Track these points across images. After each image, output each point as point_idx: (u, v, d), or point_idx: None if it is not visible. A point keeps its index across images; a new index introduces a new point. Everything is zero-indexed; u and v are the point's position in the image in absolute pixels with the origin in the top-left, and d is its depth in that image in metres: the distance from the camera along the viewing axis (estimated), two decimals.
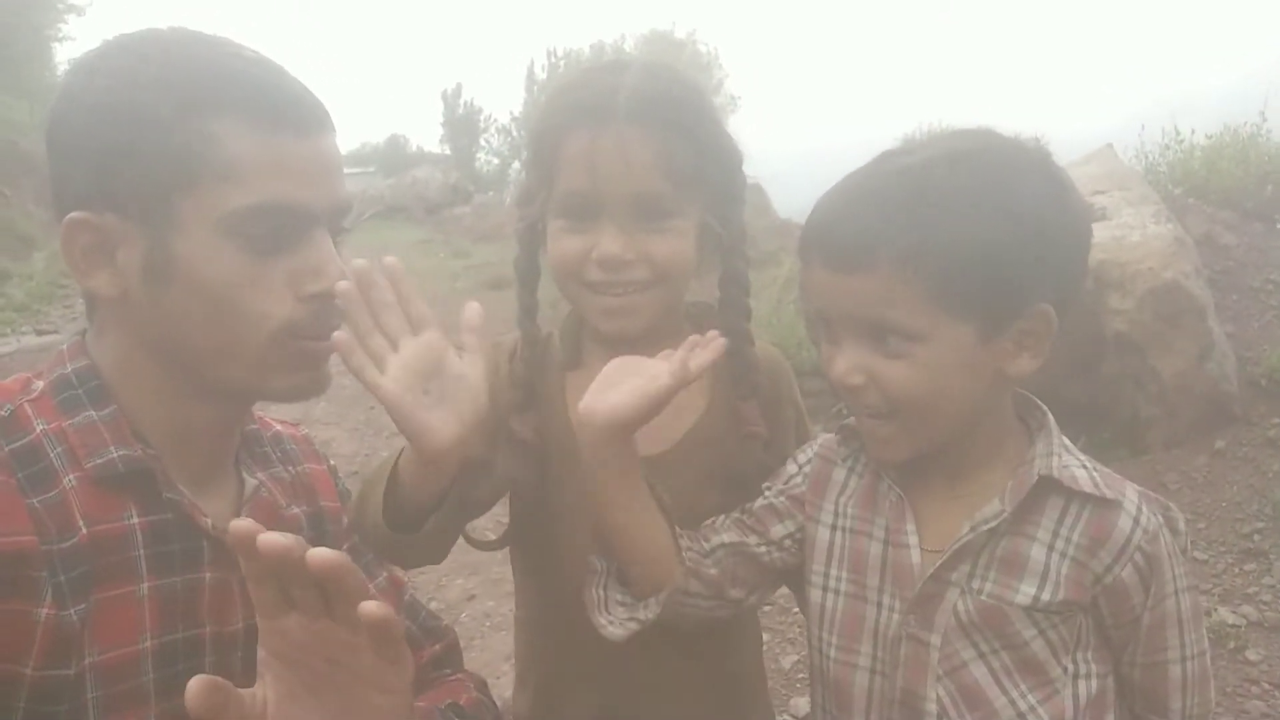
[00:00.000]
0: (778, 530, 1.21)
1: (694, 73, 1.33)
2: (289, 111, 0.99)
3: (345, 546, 1.24)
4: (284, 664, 0.85)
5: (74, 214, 0.97)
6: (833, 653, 1.15)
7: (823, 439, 1.25)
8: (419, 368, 1.00)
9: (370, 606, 0.78)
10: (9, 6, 18.16)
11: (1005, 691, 1.06)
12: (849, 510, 1.18)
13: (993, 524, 1.05)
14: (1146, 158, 7.80)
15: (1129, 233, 5.05)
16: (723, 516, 1.24)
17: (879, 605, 1.12)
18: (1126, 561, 1.04)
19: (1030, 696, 1.06)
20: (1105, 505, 1.05)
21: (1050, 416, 1.13)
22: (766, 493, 1.25)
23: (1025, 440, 1.13)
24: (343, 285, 0.97)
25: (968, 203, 0.98)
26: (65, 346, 1.05)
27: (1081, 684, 1.07)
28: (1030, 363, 1.05)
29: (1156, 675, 1.09)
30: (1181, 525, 1.10)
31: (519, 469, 1.26)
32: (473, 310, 1.06)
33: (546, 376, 1.33)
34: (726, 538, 1.20)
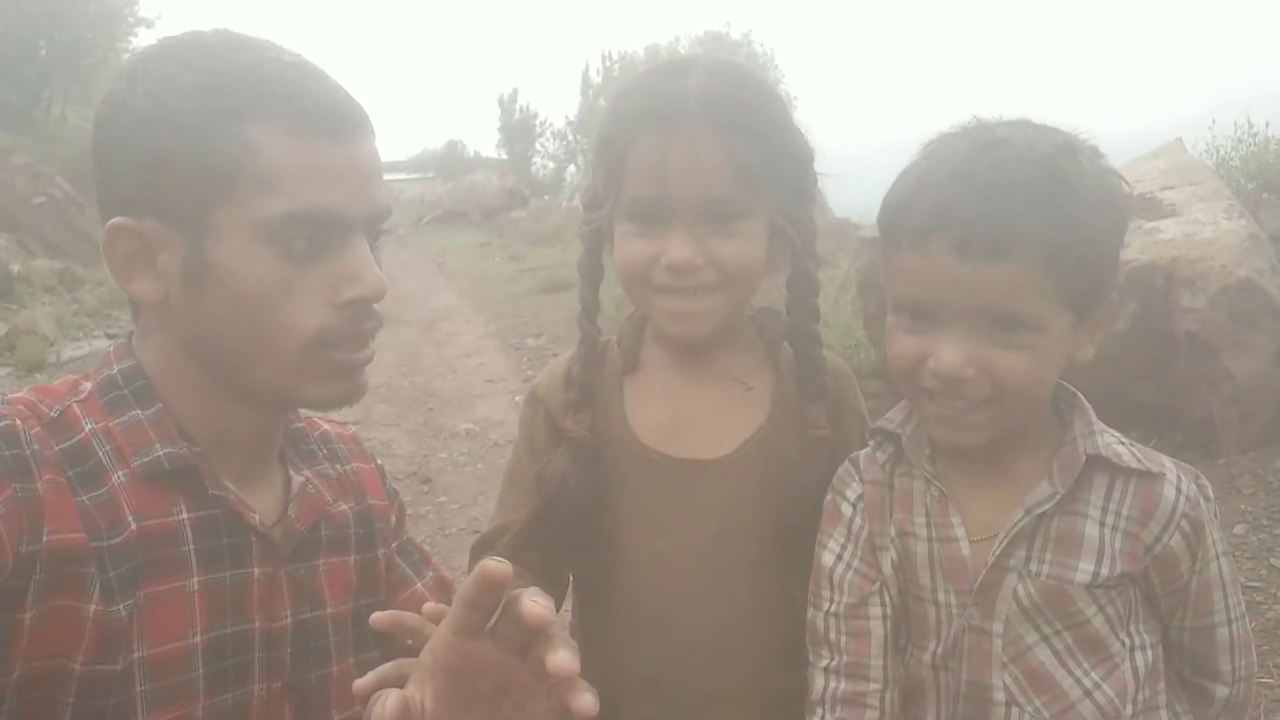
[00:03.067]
0: (876, 607, 1.17)
1: (759, 69, 1.32)
2: (326, 117, 0.99)
3: (394, 545, 1.25)
4: (450, 679, 0.88)
5: (116, 219, 0.99)
6: (911, 647, 1.15)
7: (846, 466, 1.23)
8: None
9: (583, 699, 0.83)
10: (81, 20, 18.74)
11: (1070, 671, 1.07)
12: (894, 517, 1.17)
13: (1047, 506, 1.07)
14: (1218, 152, 7.56)
15: (1200, 229, 4.90)
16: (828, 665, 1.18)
17: (935, 604, 1.12)
18: (1174, 530, 1.06)
19: (1094, 674, 1.08)
20: (1149, 478, 1.08)
21: (1081, 396, 1.14)
22: (831, 560, 1.20)
23: (1055, 422, 1.14)
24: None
25: (1093, 196, 1.01)
26: (112, 349, 1.08)
27: (1138, 655, 1.09)
28: (1091, 350, 1.09)
29: (1205, 639, 1.12)
30: (1210, 493, 1.13)
31: (572, 469, 1.25)
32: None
33: (604, 381, 1.32)
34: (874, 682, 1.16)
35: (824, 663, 1.18)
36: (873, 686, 1.14)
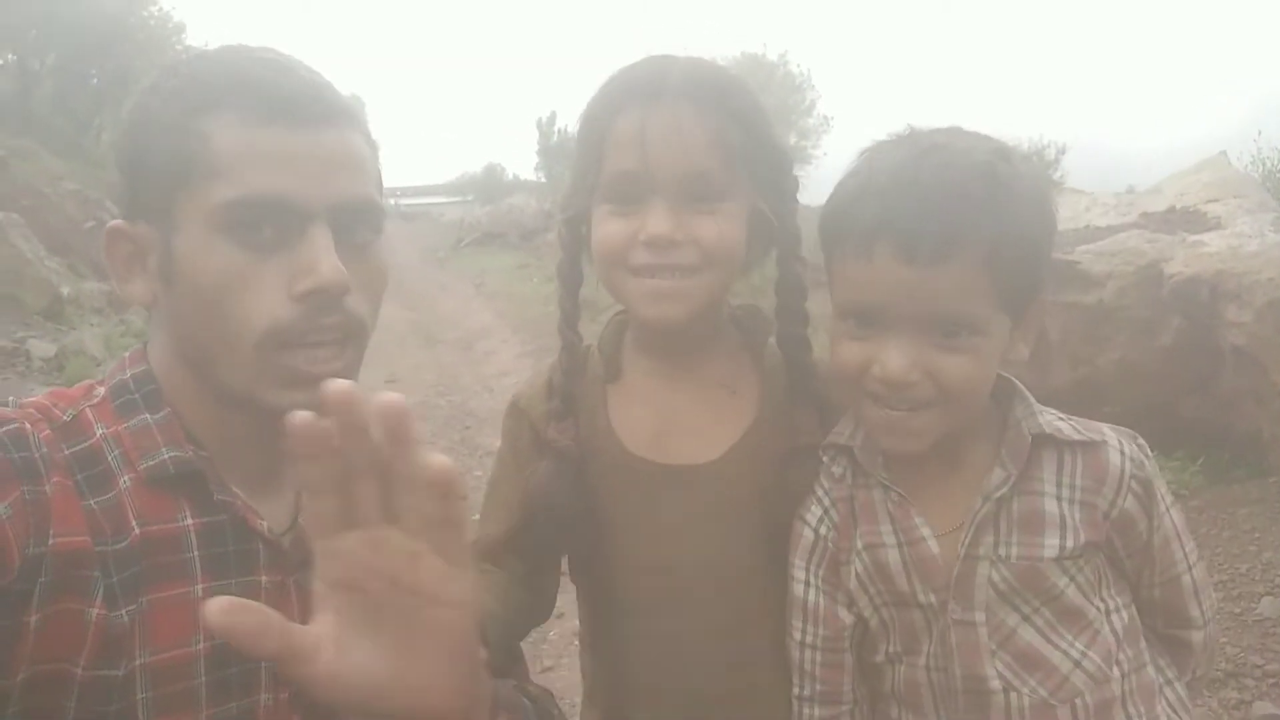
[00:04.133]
0: (847, 619, 1.19)
1: (769, 90, 1.32)
2: (281, 103, 0.96)
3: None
4: (342, 592, 0.78)
5: (112, 223, 1.01)
6: (903, 658, 1.16)
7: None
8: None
9: (438, 459, 0.74)
10: (131, 49, 19.19)
11: (1056, 645, 1.10)
12: (859, 530, 1.18)
13: (1004, 490, 1.10)
14: (1264, 164, 7.43)
15: (1245, 242, 4.80)
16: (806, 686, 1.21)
17: (921, 606, 1.13)
18: (1126, 492, 1.11)
19: (1078, 643, 1.10)
20: (1094, 447, 1.12)
21: (1018, 382, 1.17)
22: (800, 589, 1.21)
23: (995, 411, 1.17)
24: None
25: (1028, 198, 1.04)
26: (127, 354, 1.07)
27: (1114, 618, 1.13)
28: (1026, 350, 1.12)
29: (1173, 589, 1.16)
30: (1148, 450, 1.16)
31: (557, 478, 1.23)
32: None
33: (586, 389, 1.31)
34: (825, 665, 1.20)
35: (798, 690, 1.21)
36: (844, 707, 1.20)
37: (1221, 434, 4.68)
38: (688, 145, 1.14)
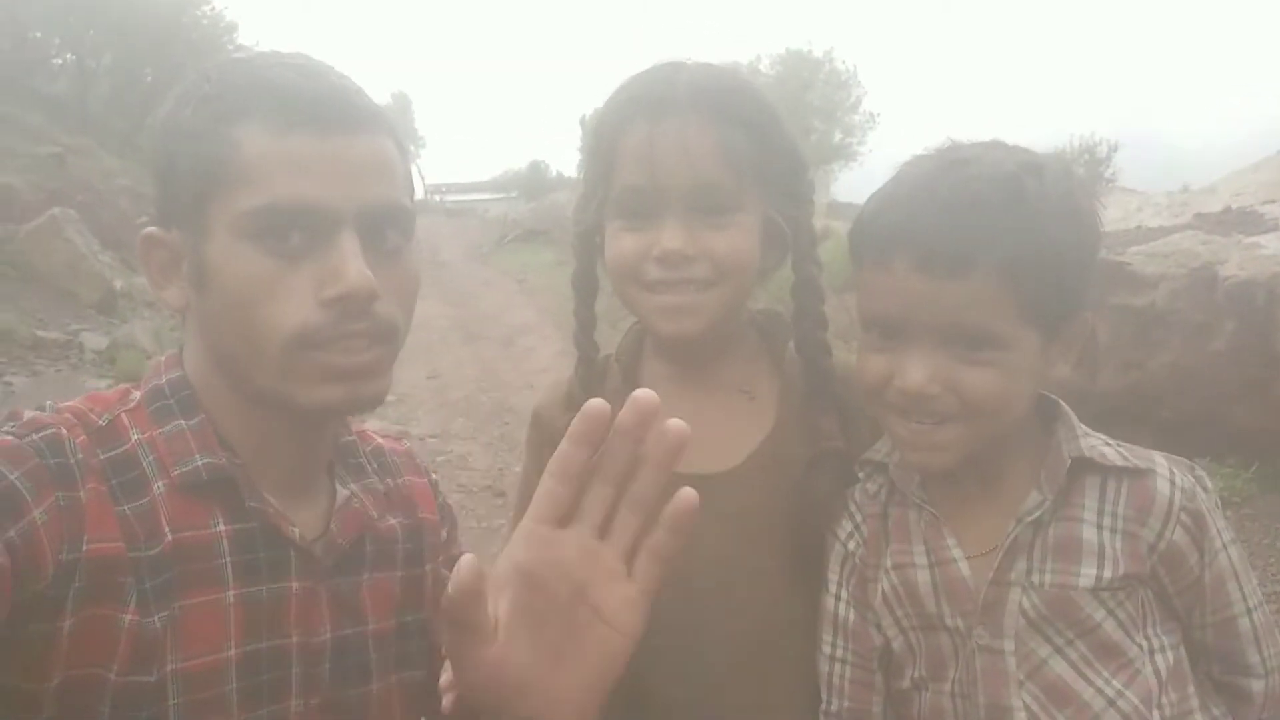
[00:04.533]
0: (878, 638, 1.17)
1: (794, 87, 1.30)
2: (308, 110, 0.96)
3: (440, 559, 1.23)
4: (528, 582, 0.79)
5: (147, 229, 1.01)
6: (929, 684, 1.13)
7: (849, 491, 1.21)
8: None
9: (689, 491, 0.80)
10: (184, 49, 19.54)
11: (1090, 682, 1.05)
12: (889, 548, 1.16)
13: (1037, 514, 1.06)
14: None
15: None
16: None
17: (949, 630, 1.10)
18: (1175, 524, 1.05)
19: (1115, 681, 1.05)
20: (1140, 474, 1.07)
21: (1063, 404, 1.14)
22: (831, 602, 1.20)
23: (1040, 430, 1.13)
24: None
25: (1057, 213, 1.01)
26: (163, 359, 1.08)
27: (1159, 658, 1.07)
28: (1065, 368, 1.08)
29: (1228, 632, 1.09)
30: (1209, 482, 1.11)
31: None
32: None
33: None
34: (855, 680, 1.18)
35: (825, 706, 1.18)
36: None
37: (1276, 441, 4.56)
38: (696, 159, 1.13)
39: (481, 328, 10.94)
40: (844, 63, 33.20)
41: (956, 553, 1.10)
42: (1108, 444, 1.10)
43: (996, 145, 1.08)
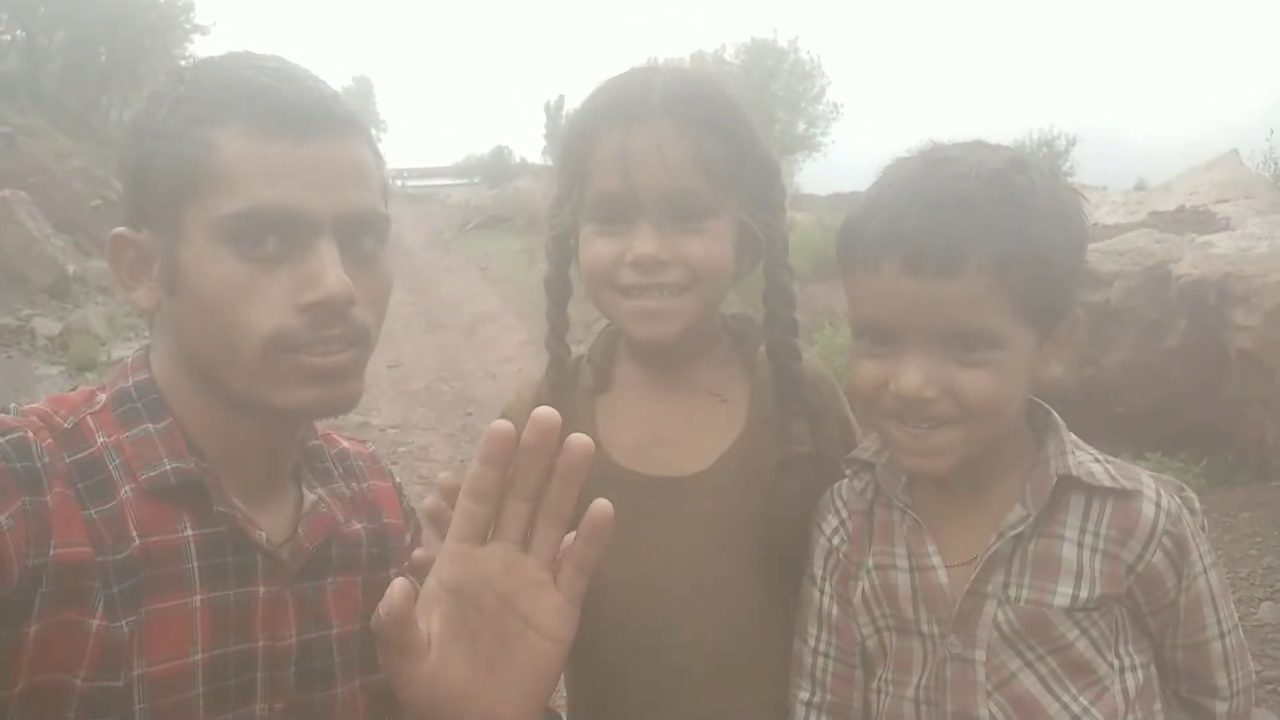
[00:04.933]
0: (858, 634, 1.17)
1: (731, 83, 1.31)
2: (288, 116, 0.96)
3: (405, 564, 1.22)
4: (456, 600, 0.85)
5: (117, 229, 1.00)
6: (890, 688, 1.13)
7: (827, 496, 1.22)
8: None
9: (603, 502, 0.84)
10: (139, 27, 19.17)
11: (1057, 697, 1.05)
12: (872, 549, 1.15)
13: (1020, 529, 1.05)
14: (1276, 164, 7.39)
15: (1255, 244, 4.78)
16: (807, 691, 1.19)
17: (922, 635, 1.10)
18: (1156, 547, 1.04)
19: (1082, 698, 1.05)
20: (1126, 495, 1.06)
21: (1055, 414, 1.12)
22: (815, 594, 1.20)
23: (1032, 441, 1.12)
24: (428, 503, 1.01)
25: (1044, 208, 1.01)
26: (130, 360, 1.07)
27: (1128, 677, 1.07)
28: (1058, 367, 1.08)
29: (1199, 655, 1.09)
30: (1197, 505, 1.10)
31: None
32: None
33: (575, 402, 1.29)
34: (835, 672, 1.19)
35: (805, 696, 1.19)
36: None
37: (1226, 437, 4.67)
38: (671, 165, 1.14)
39: (443, 316, 10.87)
40: (808, 53, 33.30)
41: (936, 560, 1.10)
42: (1096, 460, 1.08)
43: (980, 145, 1.07)
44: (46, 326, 9.01)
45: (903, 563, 1.12)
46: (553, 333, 1.32)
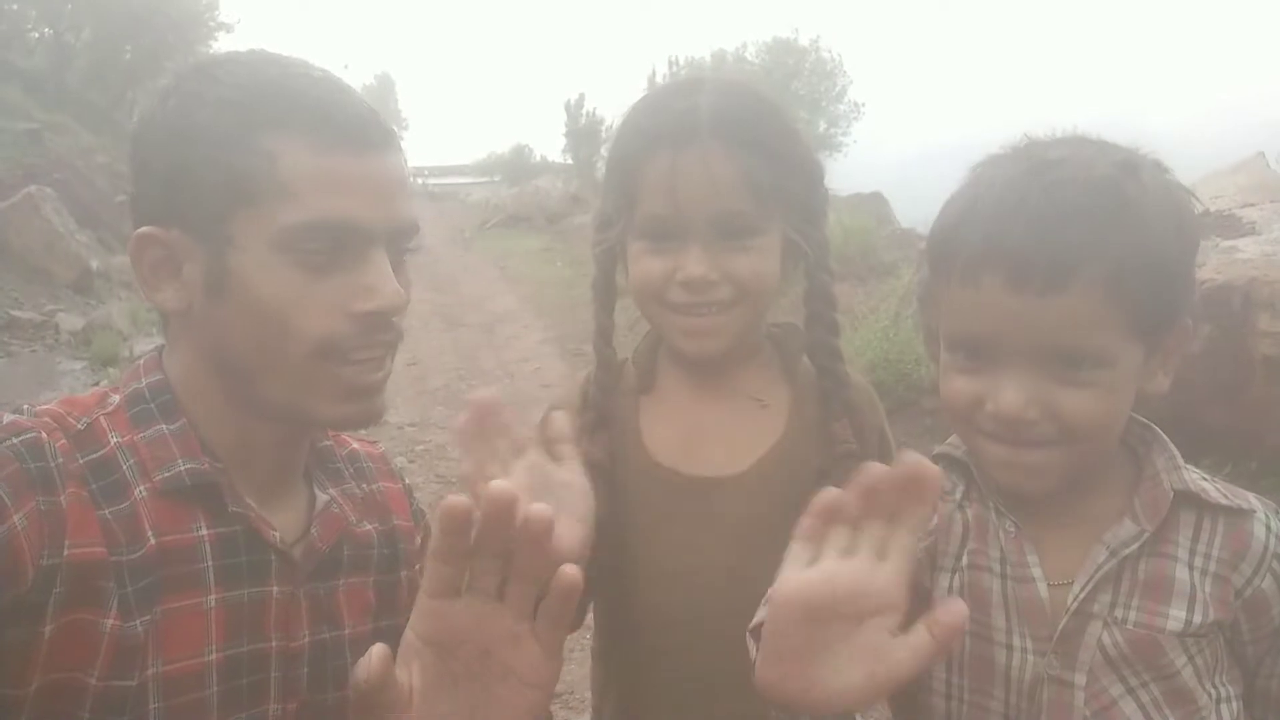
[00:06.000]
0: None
1: (773, 89, 1.31)
2: (347, 130, 0.99)
3: (417, 567, 1.23)
4: (435, 651, 0.88)
5: (144, 228, 1.00)
6: (966, 696, 1.07)
7: None
8: (529, 486, 1.04)
9: (571, 569, 0.85)
10: (164, 24, 19.33)
11: None
12: (966, 546, 1.09)
13: (1133, 546, 1.00)
14: None
15: None
16: None
17: (1008, 648, 1.04)
18: (1265, 571, 1.00)
19: None
20: (1239, 515, 1.01)
21: (1158, 429, 1.07)
22: None
23: (1129, 457, 1.07)
24: (462, 423, 1.02)
25: (1158, 216, 0.94)
26: (142, 361, 1.07)
27: (1224, 708, 1.01)
28: (1165, 381, 1.01)
29: None
30: None
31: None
32: (559, 420, 1.09)
33: (620, 402, 1.32)
34: None
35: None
36: None
37: (1249, 444, 4.62)
38: (720, 188, 1.15)
39: (462, 314, 10.89)
40: (830, 52, 33.22)
41: (1037, 572, 1.03)
42: (1205, 479, 1.03)
43: (1084, 142, 1.00)
44: (70, 322, 9.09)
45: (997, 567, 1.06)
46: (600, 336, 1.34)
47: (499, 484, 0.83)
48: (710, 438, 1.28)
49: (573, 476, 1.09)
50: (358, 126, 1.00)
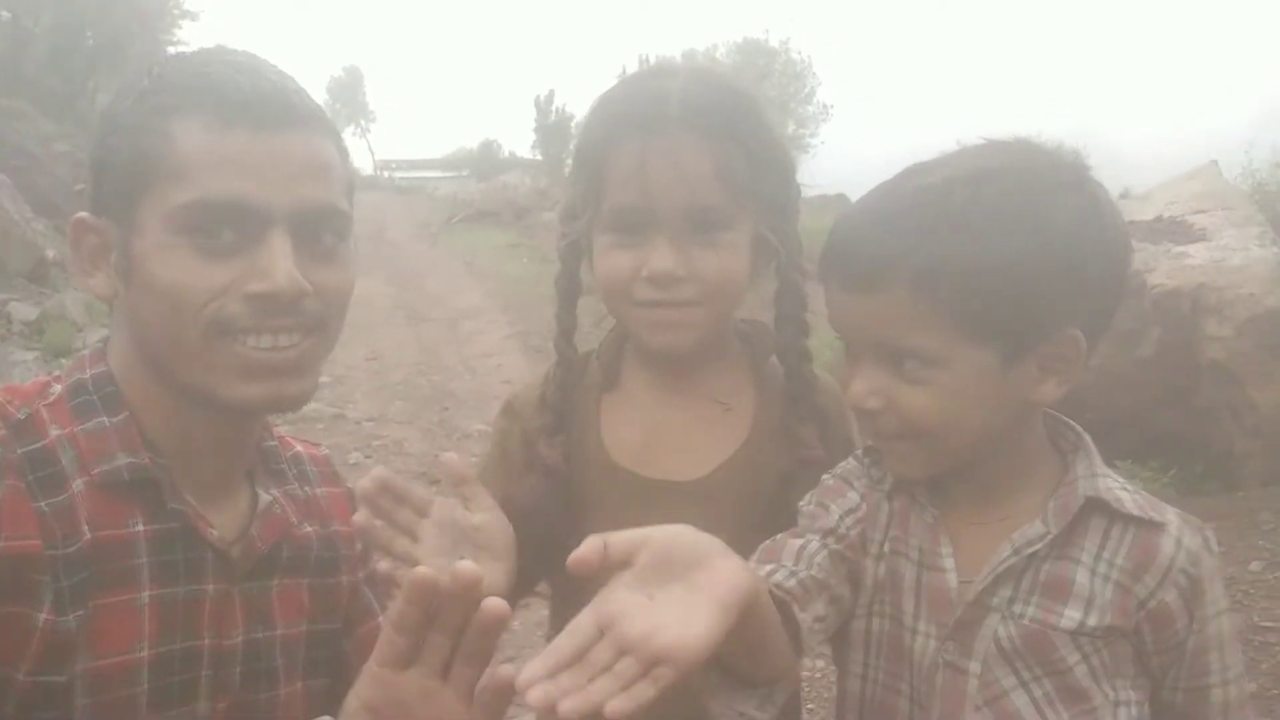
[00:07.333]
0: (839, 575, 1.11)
1: (747, 81, 1.28)
2: (246, 107, 0.95)
3: (362, 575, 1.22)
4: (367, 715, 0.89)
5: (79, 214, 1.01)
6: (880, 678, 1.10)
7: (845, 469, 1.17)
8: (448, 540, 1.05)
9: (496, 601, 0.85)
10: (127, 12, 19.03)
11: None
12: (890, 534, 1.12)
13: (1037, 546, 1.02)
14: (1254, 175, 7.44)
15: (1229, 255, 4.82)
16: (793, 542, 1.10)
17: (914, 632, 1.08)
18: (1170, 585, 1.02)
19: None
20: (1149, 527, 1.03)
21: (1087, 437, 1.09)
22: (813, 540, 1.11)
23: (1058, 462, 1.09)
24: (358, 518, 1.06)
25: (990, 223, 0.95)
26: (88, 351, 1.06)
27: (1121, 711, 1.03)
28: (1056, 389, 1.02)
29: (1198, 700, 1.06)
30: (1214, 546, 1.07)
31: (544, 496, 1.22)
32: (452, 462, 1.13)
33: (582, 398, 1.29)
34: (816, 573, 1.07)
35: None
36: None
37: (1195, 447, 4.71)
38: (690, 179, 1.12)
39: (426, 309, 10.83)
40: (799, 53, 33.36)
41: (948, 563, 1.07)
42: (1125, 488, 1.05)
43: (962, 153, 1.03)
44: (23, 311, 8.92)
45: (914, 555, 1.09)
46: (561, 333, 1.31)
47: (467, 565, 0.84)
48: (672, 440, 1.25)
49: (485, 515, 1.09)
50: (256, 104, 0.96)
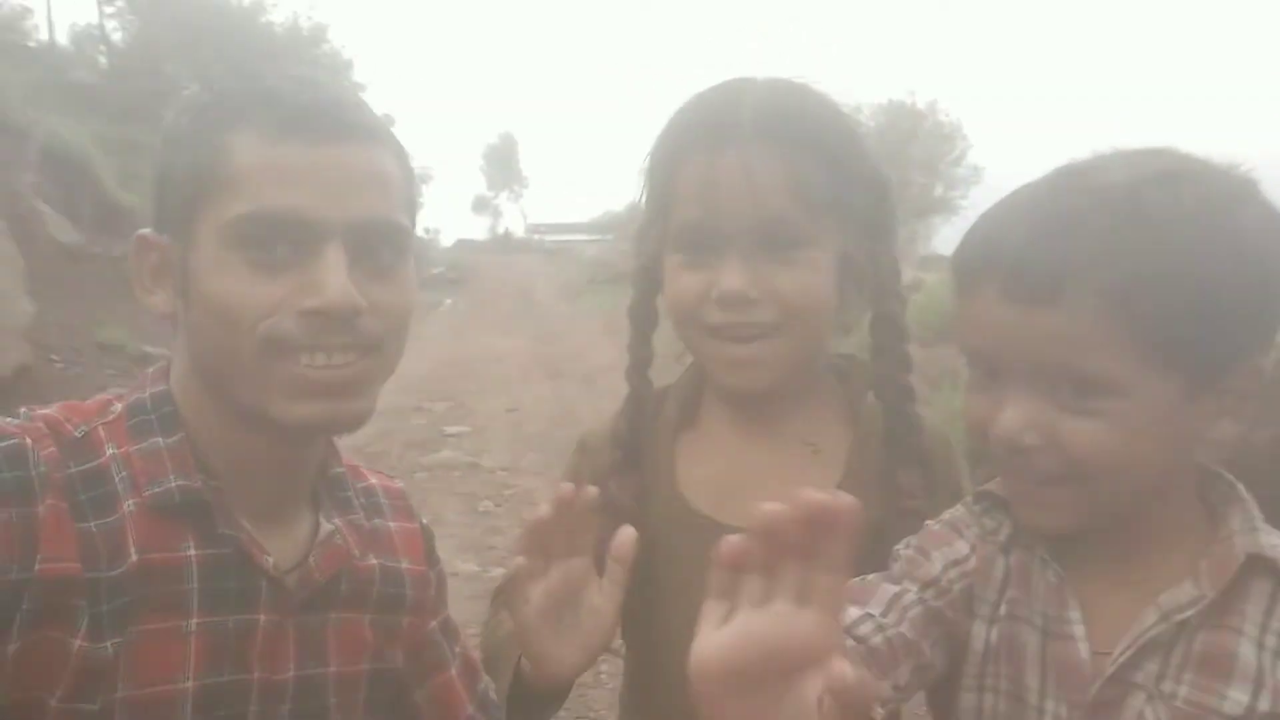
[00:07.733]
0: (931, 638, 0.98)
1: (830, 102, 1.13)
2: (301, 118, 0.93)
3: (435, 623, 1.18)
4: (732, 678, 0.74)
5: (142, 231, 1.00)
6: None
7: (953, 515, 1.04)
8: (560, 595, 1.01)
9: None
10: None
11: None
12: (1006, 594, 0.98)
13: (1189, 612, 0.87)
14: None
15: None
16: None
17: (1040, 711, 0.93)
18: None
19: None
20: None
21: (1240, 486, 0.94)
22: (910, 590, 0.99)
23: (1204, 515, 0.94)
24: (536, 514, 1.00)
25: (1188, 232, 0.82)
26: (151, 370, 1.05)
27: None
28: (1231, 427, 0.88)
29: None
30: None
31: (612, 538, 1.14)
32: (626, 537, 1.02)
33: (657, 436, 1.21)
34: (908, 631, 0.95)
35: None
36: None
37: None
38: (760, 191, 1.03)
39: (564, 365, 11.04)
40: (947, 115, 32.84)
41: (1078, 630, 0.92)
42: None
43: (1126, 153, 0.91)
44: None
45: (1037, 620, 0.95)
46: (634, 365, 1.23)
47: (766, 505, 0.71)
48: (752, 484, 1.14)
49: (605, 604, 1.04)
50: (311, 115, 0.93)
